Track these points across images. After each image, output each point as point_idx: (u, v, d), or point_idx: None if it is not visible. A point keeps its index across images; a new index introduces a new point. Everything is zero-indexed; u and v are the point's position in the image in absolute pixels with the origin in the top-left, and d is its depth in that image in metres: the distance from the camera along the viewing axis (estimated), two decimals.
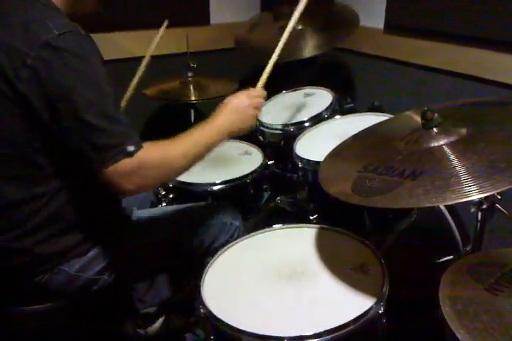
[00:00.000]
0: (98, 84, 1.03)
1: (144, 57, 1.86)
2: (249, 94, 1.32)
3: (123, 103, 1.72)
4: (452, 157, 0.98)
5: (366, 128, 1.37)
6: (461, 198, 0.85)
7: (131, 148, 1.03)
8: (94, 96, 1.01)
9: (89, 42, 1.05)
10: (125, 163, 1.02)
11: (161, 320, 1.69)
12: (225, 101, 1.30)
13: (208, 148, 1.20)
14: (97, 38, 2.14)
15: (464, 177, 0.90)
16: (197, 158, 1.17)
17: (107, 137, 1.02)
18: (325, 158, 1.28)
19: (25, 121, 1.03)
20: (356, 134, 1.36)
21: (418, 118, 1.12)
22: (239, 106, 1.29)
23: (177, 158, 1.13)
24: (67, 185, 1.13)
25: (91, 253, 1.21)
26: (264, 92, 1.39)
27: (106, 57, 2.31)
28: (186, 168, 1.17)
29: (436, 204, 0.89)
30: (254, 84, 1.40)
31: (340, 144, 1.33)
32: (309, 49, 2.04)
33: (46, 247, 1.15)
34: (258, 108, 1.33)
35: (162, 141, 1.12)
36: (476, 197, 0.85)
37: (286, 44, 1.47)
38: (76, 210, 1.16)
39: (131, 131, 1.06)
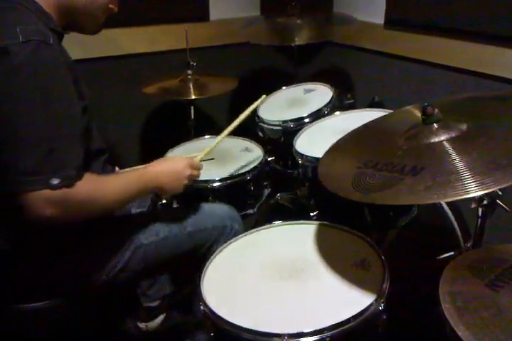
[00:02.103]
0: (46, 103, 0.97)
1: None
2: (192, 165, 1.33)
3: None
4: (453, 153, 0.98)
5: (365, 124, 1.36)
6: (462, 195, 0.85)
7: (54, 181, 0.97)
8: (38, 115, 0.96)
9: (53, 54, 1.00)
10: (43, 194, 0.96)
11: (162, 317, 1.70)
12: (169, 158, 1.34)
13: (137, 193, 1.19)
14: (97, 34, 2.13)
15: (465, 173, 0.89)
16: (126, 199, 1.17)
17: (35, 163, 0.96)
18: (324, 154, 1.27)
19: None
20: (355, 129, 1.35)
21: (418, 114, 1.11)
22: (178, 169, 1.29)
23: (105, 198, 1.09)
24: None
25: (90, 251, 1.21)
26: (202, 166, 1.39)
27: (105, 54, 2.33)
28: (113, 207, 1.17)
29: (437, 201, 0.88)
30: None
31: (339, 140, 1.32)
32: (304, 38, 2.10)
33: (44, 248, 1.14)
34: (191, 180, 1.33)
35: (96, 177, 1.09)
36: (477, 193, 0.85)
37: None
38: None
39: (68, 162, 1.00)
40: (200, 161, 1.42)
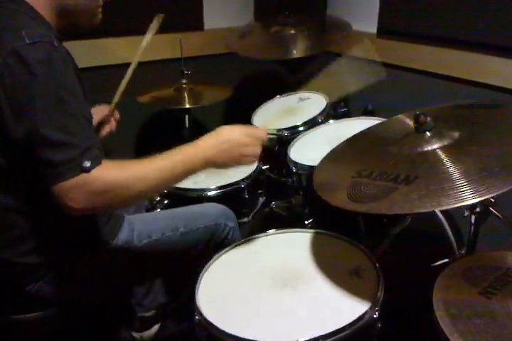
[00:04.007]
0: (60, 97, 0.98)
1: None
2: (253, 134, 1.17)
3: (118, 98, 1.66)
4: (446, 161, 0.98)
5: (359, 133, 1.37)
6: (456, 203, 0.85)
7: (87, 164, 0.96)
8: (53, 109, 0.97)
9: (60, 55, 1.01)
10: (78, 180, 0.95)
11: (157, 326, 1.68)
12: (224, 129, 1.15)
13: (185, 173, 1.09)
14: (90, 44, 2.15)
15: (459, 181, 0.90)
16: (165, 182, 1.07)
17: (62, 152, 0.96)
18: (319, 165, 1.27)
19: None
20: (349, 139, 1.36)
21: (411, 122, 1.12)
22: (236, 143, 1.13)
23: (135, 181, 1.02)
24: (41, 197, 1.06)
25: (83, 258, 1.21)
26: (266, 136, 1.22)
27: (98, 63, 2.33)
28: (147, 192, 1.08)
29: (431, 210, 0.89)
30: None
31: (333, 149, 1.33)
32: (299, 51, 2.11)
33: (34, 257, 1.14)
34: (254, 154, 1.18)
35: (124, 161, 1.03)
36: (472, 201, 0.85)
37: None
38: (64, 217, 1.09)
39: (91, 145, 0.99)
40: None
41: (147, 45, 1.52)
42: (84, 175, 0.96)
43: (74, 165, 0.96)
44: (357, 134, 1.37)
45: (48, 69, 0.97)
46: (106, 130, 1.62)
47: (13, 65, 0.95)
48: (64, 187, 0.95)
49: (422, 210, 0.90)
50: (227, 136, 1.13)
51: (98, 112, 1.60)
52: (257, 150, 1.17)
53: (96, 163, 0.97)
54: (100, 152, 1.01)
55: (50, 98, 0.97)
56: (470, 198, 0.85)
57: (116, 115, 1.67)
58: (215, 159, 1.11)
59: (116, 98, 1.58)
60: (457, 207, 0.85)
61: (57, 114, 0.97)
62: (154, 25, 1.61)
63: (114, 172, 1.00)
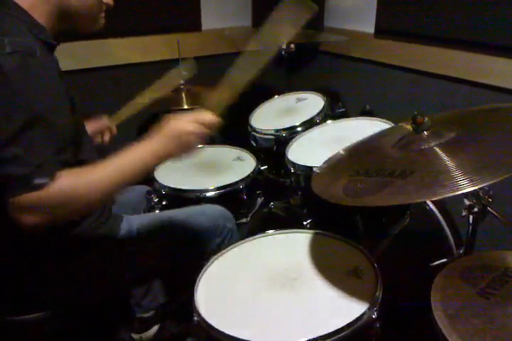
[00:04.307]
0: (30, 112, 0.94)
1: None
2: (197, 119, 1.13)
3: (122, 117, 1.66)
4: (442, 156, 0.98)
5: (359, 141, 1.36)
6: (451, 192, 0.84)
7: (40, 181, 0.94)
8: (7, 121, 0.93)
9: (41, 66, 0.99)
10: (31, 196, 0.93)
11: (156, 327, 1.68)
12: (167, 122, 1.15)
13: (138, 172, 1.07)
14: (89, 45, 2.15)
15: (454, 172, 0.90)
16: (118, 185, 1.06)
17: (13, 167, 0.93)
18: (315, 173, 1.26)
19: None
20: (349, 146, 1.35)
21: (409, 126, 1.12)
22: (181, 131, 1.12)
23: (89, 191, 1.01)
24: None
25: (81, 259, 1.21)
26: (216, 120, 1.17)
27: (96, 65, 2.33)
28: (102, 199, 1.07)
29: (426, 200, 0.88)
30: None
31: (331, 157, 1.31)
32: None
33: (32, 257, 1.14)
34: (202, 137, 1.14)
35: (77, 171, 1.01)
36: (466, 190, 0.84)
37: None
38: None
39: (44, 161, 0.95)
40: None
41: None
42: (37, 192, 0.94)
43: (25, 182, 0.93)
44: (356, 142, 1.35)
45: (22, 82, 0.95)
46: (98, 140, 1.58)
47: None
48: (17, 202, 0.94)
49: (418, 200, 0.89)
50: (171, 126, 1.13)
51: (96, 122, 1.57)
52: (203, 135, 1.14)
53: (49, 178, 0.95)
54: (55, 166, 0.97)
55: (14, 113, 0.94)
56: (465, 187, 0.84)
57: (114, 130, 1.64)
58: (164, 152, 1.11)
59: (121, 116, 1.55)
60: (454, 205, 0.85)
61: (13, 126, 0.93)
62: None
63: (68, 186, 0.98)
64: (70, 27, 1.16)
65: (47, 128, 0.97)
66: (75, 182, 0.99)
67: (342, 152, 1.29)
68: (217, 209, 1.52)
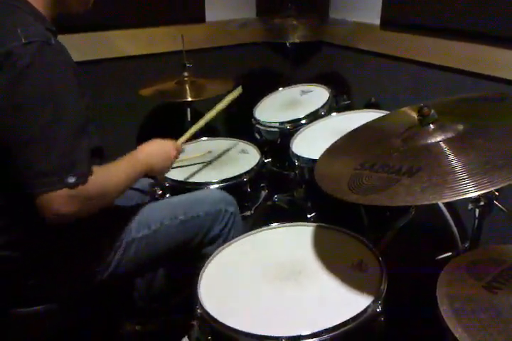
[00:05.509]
0: (55, 103, 0.98)
1: None
2: (177, 147, 1.45)
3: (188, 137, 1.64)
4: (449, 153, 0.98)
5: (362, 125, 1.36)
6: (459, 195, 0.84)
7: (71, 180, 0.99)
8: (46, 116, 0.97)
9: (57, 53, 1.01)
10: (63, 192, 0.99)
11: (159, 320, 1.69)
12: (156, 141, 1.39)
13: (134, 178, 1.25)
14: (90, 37, 2.15)
15: (461, 174, 0.89)
16: (128, 186, 1.22)
17: (48, 163, 0.97)
18: (321, 156, 1.27)
19: None
20: (352, 131, 1.35)
21: (414, 115, 1.11)
22: (166, 150, 1.40)
23: (112, 190, 1.14)
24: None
25: (83, 252, 1.20)
26: (183, 150, 1.58)
27: (99, 56, 2.33)
28: (119, 195, 1.19)
29: (433, 202, 0.88)
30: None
31: (336, 142, 1.32)
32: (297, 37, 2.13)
33: (31, 253, 1.14)
34: (174, 160, 1.45)
35: (102, 169, 1.10)
36: (474, 194, 0.85)
37: None
38: None
39: (80, 159, 1.02)
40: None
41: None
42: (66, 189, 0.99)
43: (57, 179, 0.98)
44: (359, 127, 1.36)
45: (43, 71, 0.97)
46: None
47: (7, 67, 0.94)
48: (45, 197, 0.98)
49: (424, 202, 0.89)
50: (156, 145, 1.38)
51: None
52: (176, 157, 1.47)
53: (80, 180, 1.01)
54: (89, 167, 1.04)
55: (41, 105, 0.96)
56: (472, 191, 0.84)
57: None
58: (153, 164, 1.33)
59: (188, 135, 1.61)
60: (460, 199, 0.84)
61: (51, 123, 0.97)
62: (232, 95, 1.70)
63: (96, 184, 1.05)
64: (63, 11, 1.17)
65: (73, 120, 1.02)
66: (104, 179, 1.09)
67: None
68: (217, 193, 1.51)
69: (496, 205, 1.12)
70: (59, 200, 0.99)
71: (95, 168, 1.06)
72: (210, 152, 1.83)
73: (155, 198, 1.63)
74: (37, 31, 0.99)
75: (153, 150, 1.36)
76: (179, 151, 1.47)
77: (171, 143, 1.43)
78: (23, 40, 0.95)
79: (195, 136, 1.98)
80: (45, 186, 0.97)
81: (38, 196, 0.98)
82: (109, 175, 1.13)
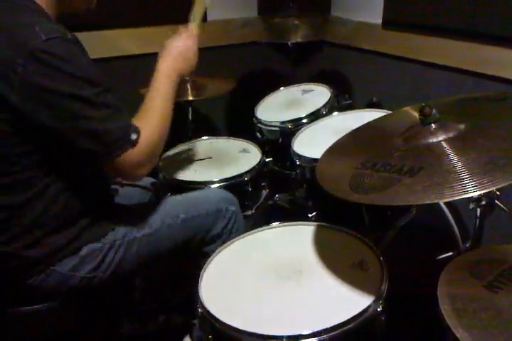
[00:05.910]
0: (93, 83, 1.04)
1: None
2: (187, 36, 1.39)
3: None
4: (451, 153, 0.97)
5: (363, 125, 1.36)
6: (460, 195, 0.84)
7: (134, 137, 1.09)
8: (91, 95, 1.03)
9: (76, 45, 1.06)
10: (133, 152, 1.09)
11: (160, 319, 1.69)
12: (168, 46, 1.35)
13: (174, 92, 1.27)
14: (91, 35, 2.15)
15: (463, 173, 0.89)
16: (171, 104, 1.25)
17: (110, 133, 1.06)
18: (322, 156, 1.27)
19: (11, 126, 1.03)
20: (353, 131, 1.35)
21: (416, 115, 1.11)
22: (185, 45, 1.36)
23: (160, 132, 1.19)
24: (53, 184, 1.13)
25: (83, 251, 1.20)
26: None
27: (99, 55, 2.33)
28: (168, 122, 1.23)
29: (435, 201, 0.88)
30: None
31: (337, 141, 1.32)
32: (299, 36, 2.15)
33: (35, 250, 1.14)
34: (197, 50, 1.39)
35: (140, 115, 1.19)
36: (475, 193, 0.85)
37: None
38: (64, 210, 1.15)
39: (128, 119, 1.12)
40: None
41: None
42: (135, 146, 1.10)
43: (125, 140, 1.08)
44: (361, 127, 1.36)
45: (72, 61, 1.01)
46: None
47: (38, 64, 0.97)
48: (122, 161, 1.09)
49: (426, 202, 0.89)
50: (176, 48, 1.34)
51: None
52: (195, 46, 1.40)
53: (138, 133, 1.11)
54: (131, 121, 1.13)
55: (82, 88, 1.02)
56: (473, 190, 0.84)
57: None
58: (181, 69, 1.32)
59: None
60: (461, 199, 0.84)
61: (96, 100, 1.04)
62: None
63: (148, 137, 1.13)
64: (67, 10, 1.19)
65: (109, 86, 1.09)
66: (149, 133, 1.14)
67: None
68: (219, 192, 1.51)
69: (498, 205, 1.12)
70: (132, 158, 1.10)
71: (135, 120, 1.15)
72: (211, 151, 1.83)
73: (156, 197, 1.63)
74: (53, 28, 1.02)
75: (176, 55, 1.33)
76: (196, 39, 1.41)
77: (186, 37, 1.38)
78: (43, 37, 0.97)
79: (197, 136, 1.99)
80: (120, 149, 1.08)
81: (114, 160, 1.08)
82: (153, 116, 1.20)
